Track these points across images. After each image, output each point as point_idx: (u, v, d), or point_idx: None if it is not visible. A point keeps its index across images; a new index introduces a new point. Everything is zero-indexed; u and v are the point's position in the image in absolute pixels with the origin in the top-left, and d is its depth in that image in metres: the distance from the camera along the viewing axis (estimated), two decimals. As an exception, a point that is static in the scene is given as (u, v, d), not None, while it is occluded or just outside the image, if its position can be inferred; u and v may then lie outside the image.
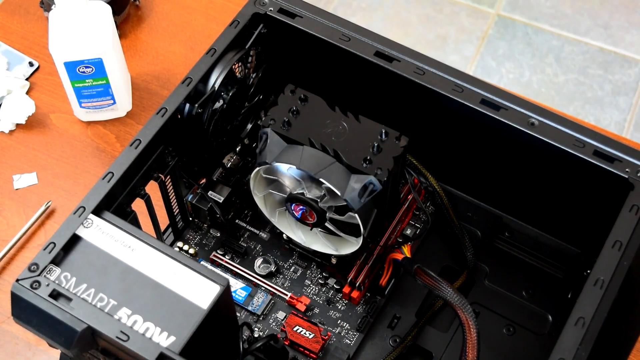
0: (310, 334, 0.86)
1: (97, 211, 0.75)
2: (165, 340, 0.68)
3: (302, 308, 0.90)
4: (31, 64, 1.14)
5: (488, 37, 2.09)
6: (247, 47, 0.89)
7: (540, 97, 1.98)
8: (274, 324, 0.90)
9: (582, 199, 0.86)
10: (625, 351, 0.84)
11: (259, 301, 0.91)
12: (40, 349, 0.93)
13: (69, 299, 0.70)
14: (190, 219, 0.96)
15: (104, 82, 1.02)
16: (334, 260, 0.90)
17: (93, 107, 1.06)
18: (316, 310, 0.90)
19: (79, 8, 0.96)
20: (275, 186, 0.85)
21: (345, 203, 0.80)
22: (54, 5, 0.98)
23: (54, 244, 0.73)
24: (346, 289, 0.90)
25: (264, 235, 0.96)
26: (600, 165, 0.80)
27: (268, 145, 0.82)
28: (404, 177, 0.90)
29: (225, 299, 0.72)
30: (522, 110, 0.83)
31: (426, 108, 0.88)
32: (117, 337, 0.68)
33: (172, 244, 0.94)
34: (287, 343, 0.87)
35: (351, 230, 0.84)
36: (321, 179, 0.79)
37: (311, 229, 0.87)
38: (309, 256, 0.93)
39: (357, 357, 0.88)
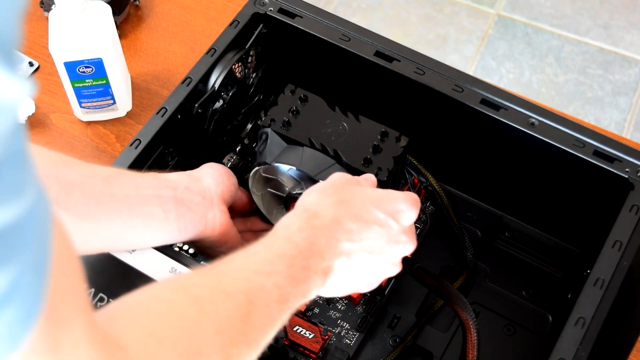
0: (310, 334, 0.86)
1: (97, 211, 0.75)
2: (165, 340, 0.68)
3: (302, 308, 0.90)
4: (31, 64, 1.14)
5: (488, 37, 2.09)
6: (247, 47, 0.89)
7: (540, 97, 1.98)
8: (274, 324, 0.90)
9: (582, 199, 0.86)
10: (625, 351, 0.84)
11: (259, 301, 0.90)
12: (40, 349, 0.93)
13: (69, 299, 0.70)
14: (190, 219, 0.96)
15: (104, 82, 1.02)
16: (334, 260, 0.90)
17: (93, 107, 1.06)
18: (316, 310, 0.90)
19: (79, 8, 0.96)
20: (274, 185, 0.85)
21: (345, 203, 0.80)
22: (54, 5, 0.98)
23: (54, 244, 0.73)
24: (346, 289, 0.90)
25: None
26: (600, 165, 0.80)
27: (268, 146, 0.82)
28: (404, 177, 0.90)
29: (225, 299, 0.72)
30: (522, 110, 0.83)
31: (426, 108, 0.88)
32: (117, 337, 0.68)
33: (172, 244, 0.94)
34: (287, 343, 0.87)
35: (351, 230, 0.84)
36: (321, 181, 0.79)
37: (311, 229, 0.87)
38: (309, 256, 0.93)
39: (357, 357, 0.88)
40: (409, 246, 0.71)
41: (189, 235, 0.75)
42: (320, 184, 0.73)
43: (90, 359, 0.45)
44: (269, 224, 0.87)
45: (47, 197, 0.41)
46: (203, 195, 0.77)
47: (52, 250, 0.41)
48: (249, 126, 0.96)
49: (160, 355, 0.52)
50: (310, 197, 0.70)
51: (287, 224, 0.67)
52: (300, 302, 0.64)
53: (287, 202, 0.84)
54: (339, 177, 0.73)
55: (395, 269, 0.72)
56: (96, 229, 0.69)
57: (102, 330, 0.47)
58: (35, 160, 0.40)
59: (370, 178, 0.76)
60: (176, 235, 0.74)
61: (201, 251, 0.81)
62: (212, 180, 0.79)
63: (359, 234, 0.68)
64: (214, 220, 0.77)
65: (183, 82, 0.85)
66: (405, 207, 0.71)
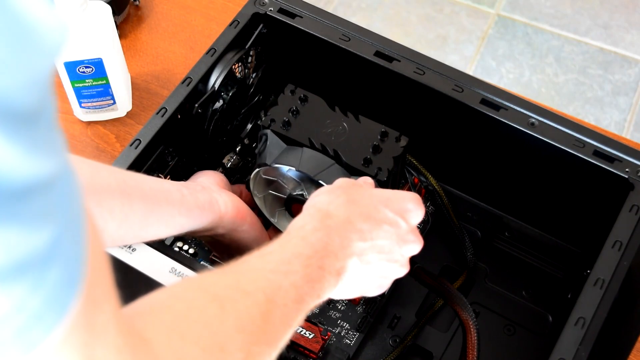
0: (310, 334, 0.86)
1: (97, 211, 0.75)
2: (165, 340, 0.68)
3: (302, 308, 0.90)
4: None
5: (488, 37, 2.09)
6: (247, 47, 0.89)
7: (540, 97, 1.98)
8: (274, 324, 0.90)
9: (582, 199, 0.86)
10: (625, 351, 0.84)
11: (259, 301, 0.90)
12: (40, 349, 0.93)
13: (69, 299, 0.70)
14: (190, 219, 0.96)
15: (104, 82, 1.02)
16: (334, 260, 0.90)
17: (93, 107, 1.06)
18: (316, 310, 0.90)
19: (79, 8, 0.96)
20: (275, 187, 0.85)
21: (345, 203, 0.80)
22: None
23: (54, 244, 0.73)
24: (346, 289, 0.90)
25: (264, 235, 0.95)
26: (600, 165, 0.80)
27: (268, 147, 0.82)
28: (404, 177, 0.90)
29: (225, 299, 0.72)
30: (522, 110, 0.83)
31: (426, 108, 0.88)
32: (117, 337, 0.68)
33: (172, 244, 0.94)
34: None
35: (351, 230, 0.84)
36: (320, 181, 0.79)
37: (311, 229, 0.87)
38: (309, 256, 0.93)
39: (357, 357, 0.88)
40: (416, 245, 0.71)
41: (207, 216, 0.75)
42: (326, 187, 0.73)
43: (117, 346, 0.44)
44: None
45: (76, 173, 0.40)
46: (202, 185, 0.79)
47: (86, 224, 0.40)
48: (249, 126, 0.96)
49: (184, 350, 0.51)
50: (320, 198, 0.70)
51: (301, 224, 0.67)
52: (315, 302, 0.64)
53: (289, 203, 0.84)
54: (343, 180, 0.73)
55: (403, 269, 0.72)
56: (128, 209, 0.69)
57: (127, 321, 0.47)
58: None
59: (368, 180, 0.76)
60: (197, 216, 0.74)
61: (227, 243, 0.80)
62: (204, 178, 0.82)
63: (369, 233, 0.68)
64: (224, 199, 0.78)
65: (183, 82, 0.85)
66: (412, 206, 0.71)
